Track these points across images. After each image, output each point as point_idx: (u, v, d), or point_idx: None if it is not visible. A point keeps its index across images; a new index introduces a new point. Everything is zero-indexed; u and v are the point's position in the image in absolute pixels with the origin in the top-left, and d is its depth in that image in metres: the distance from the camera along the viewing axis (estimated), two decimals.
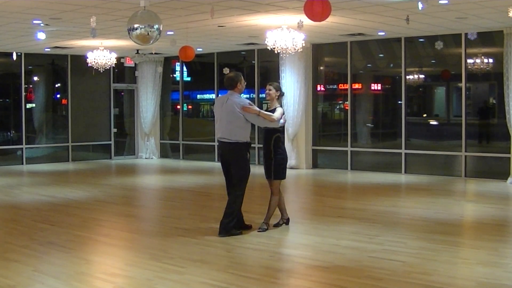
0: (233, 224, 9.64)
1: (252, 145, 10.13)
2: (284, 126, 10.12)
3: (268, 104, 10.36)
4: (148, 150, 23.55)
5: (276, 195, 10.04)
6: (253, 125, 9.89)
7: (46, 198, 13.88)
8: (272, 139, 9.92)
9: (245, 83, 9.99)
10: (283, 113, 9.94)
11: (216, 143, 21.64)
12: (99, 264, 8.42)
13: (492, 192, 14.39)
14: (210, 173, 19.51)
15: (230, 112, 9.61)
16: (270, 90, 10.11)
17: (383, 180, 16.68)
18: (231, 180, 9.81)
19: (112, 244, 9.70)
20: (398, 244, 9.05)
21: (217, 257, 8.40)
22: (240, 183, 9.69)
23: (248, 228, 9.98)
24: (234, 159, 9.70)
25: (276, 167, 9.93)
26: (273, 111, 9.90)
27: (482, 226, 10.83)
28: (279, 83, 18.68)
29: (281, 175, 10.01)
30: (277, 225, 10.22)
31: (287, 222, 10.35)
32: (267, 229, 9.96)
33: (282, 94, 10.29)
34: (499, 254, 8.65)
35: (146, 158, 23.48)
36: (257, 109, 9.78)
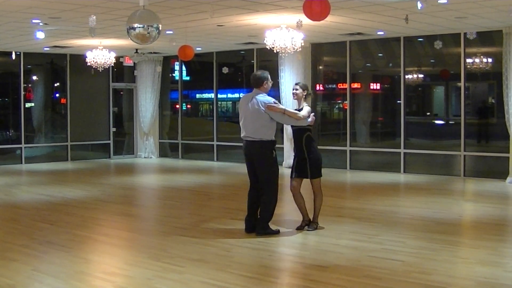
0: (269, 222, 9.64)
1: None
2: (312, 125, 9.93)
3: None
4: (147, 150, 23.53)
5: (319, 193, 9.96)
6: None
7: (45, 198, 13.88)
8: (303, 138, 9.80)
9: (272, 82, 9.86)
10: (311, 111, 9.79)
11: (215, 143, 21.73)
12: (98, 263, 8.42)
13: (491, 192, 14.39)
14: (209, 172, 19.53)
15: (255, 110, 9.49)
16: (297, 90, 9.96)
17: (382, 179, 16.68)
18: (256, 178, 9.70)
19: (112, 243, 9.70)
20: (397, 244, 9.05)
21: (216, 257, 8.39)
22: (270, 183, 9.58)
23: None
24: (259, 158, 9.58)
25: (313, 166, 9.81)
26: (300, 110, 9.79)
27: (481, 225, 10.84)
28: (278, 82, 18.74)
29: (319, 173, 9.91)
30: (300, 228, 10.02)
31: (309, 223, 10.15)
32: (316, 228, 9.95)
33: (309, 94, 10.09)
34: (499, 254, 8.66)
35: (145, 157, 23.46)
36: (283, 107, 9.69)
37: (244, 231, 9.76)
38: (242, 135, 9.73)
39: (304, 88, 10.01)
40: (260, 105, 9.47)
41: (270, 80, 9.77)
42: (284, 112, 9.59)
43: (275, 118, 9.56)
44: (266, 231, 9.57)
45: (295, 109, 9.94)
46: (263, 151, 9.53)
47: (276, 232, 9.67)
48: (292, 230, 10.06)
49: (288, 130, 18.70)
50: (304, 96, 9.97)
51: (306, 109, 9.77)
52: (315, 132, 19.33)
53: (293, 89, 10.13)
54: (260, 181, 9.64)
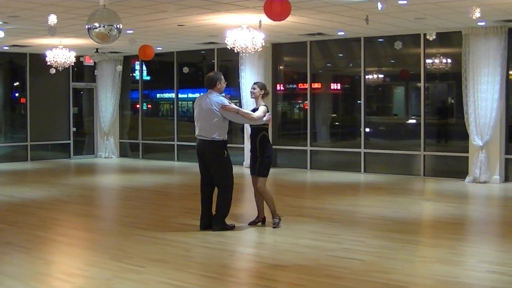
0: (225, 218, 9.88)
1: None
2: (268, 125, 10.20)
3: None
4: (107, 150, 23.41)
5: (263, 190, 10.13)
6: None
7: (4, 198, 13.74)
8: (258, 137, 10.07)
9: (225, 83, 10.18)
10: (267, 111, 10.06)
11: (175, 142, 21.70)
12: (58, 264, 8.36)
13: (450, 191, 14.53)
14: (169, 172, 19.47)
15: (208, 110, 9.80)
16: (254, 89, 10.29)
17: (342, 179, 16.76)
18: (209, 175, 9.92)
19: (71, 244, 9.63)
20: (357, 243, 9.10)
21: (176, 257, 8.37)
22: (224, 181, 9.87)
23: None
24: (210, 157, 9.84)
25: (261, 165, 10.05)
26: (256, 109, 10.07)
27: (440, 224, 10.94)
28: (238, 82, 18.76)
29: (264, 173, 10.11)
30: (252, 223, 10.32)
31: (263, 221, 10.41)
32: (279, 221, 10.16)
33: (266, 93, 10.39)
34: (457, 252, 8.74)
35: (105, 157, 23.34)
36: (236, 107, 10.01)
37: (199, 228, 9.88)
38: (196, 134, 10.03)
39: (261, 87, 10.34)
40: (214, 105, 9.80)
41: (224, 81, 10.12)
42: (237, 112, 9.93)
43: (230, 117, 9.90)
44: (223, 226, 9.80)
45: (252, 108, 10.28)
46: (215, 150, 9.83)
47: (232, 227, 9.91)
48: (251, 229, 10.10)
49: (248, 130, 18.76)
50: (261, 96, 10.28)
51: (262, 109, 10.05)
52: (275, 132, 19.50)
53: (251, 88, 10.46)
54: (214, 180, 9.92)
